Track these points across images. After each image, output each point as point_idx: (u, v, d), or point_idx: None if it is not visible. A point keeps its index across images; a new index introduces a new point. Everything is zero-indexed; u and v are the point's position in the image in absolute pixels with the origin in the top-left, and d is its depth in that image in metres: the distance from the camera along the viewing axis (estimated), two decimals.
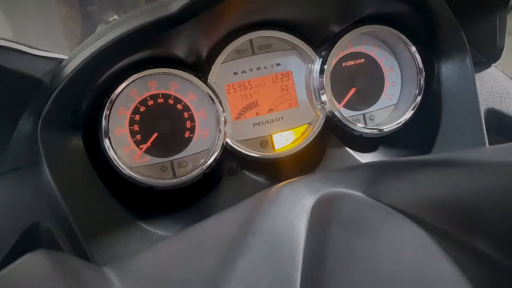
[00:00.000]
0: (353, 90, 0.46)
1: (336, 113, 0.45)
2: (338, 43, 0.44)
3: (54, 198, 0.37)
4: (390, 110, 0.48)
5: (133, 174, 0.40)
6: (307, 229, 0.29)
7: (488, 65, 0.48)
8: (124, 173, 0.40)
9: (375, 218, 0.29)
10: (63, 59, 0.40)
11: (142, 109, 0.42)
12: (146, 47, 0.38)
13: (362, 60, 0.47)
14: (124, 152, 0.41)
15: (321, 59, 0.44)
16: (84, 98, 0.38)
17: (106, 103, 0.40)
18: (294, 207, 0.29)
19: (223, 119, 0.42)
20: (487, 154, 0.30)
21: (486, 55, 0.47)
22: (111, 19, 0.59)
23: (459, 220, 0.27)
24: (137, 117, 0.42)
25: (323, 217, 0.30)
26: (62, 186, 0.36)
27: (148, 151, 0.42)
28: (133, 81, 0.40)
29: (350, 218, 0.30)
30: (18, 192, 0.39)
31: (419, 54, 0.45)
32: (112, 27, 0.36)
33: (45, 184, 0.37)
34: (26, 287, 0.20)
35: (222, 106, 0.42)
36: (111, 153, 0.40)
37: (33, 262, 0.22)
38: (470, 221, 0.26)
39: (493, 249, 0.23)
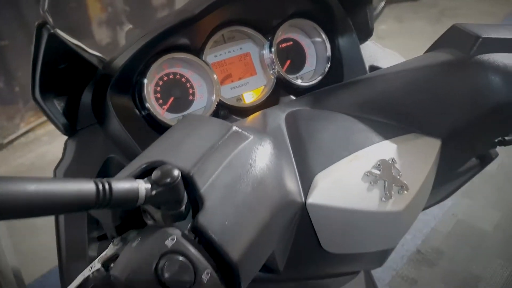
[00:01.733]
0: (288, 61, 0.73)
1: (282, 75, 0.70)
2: (277, 31, 0.70)
3: (123, 138, 0.57)
4: (312, 73, 0.75)
5: (166, 121, 0.62)
6: (286, 126, 0.53)
7: (365, 40, 0.77)
8: (162, 120, 0.62)
9: (325, 114, 0.55)
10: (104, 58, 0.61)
11: (160, 82, 0.64)
12: (170, 38, 0.60)
13: (291, 43, 0.74)
14: None
15: (269, 42, 0.70)
16: (134, 74, 0.60)
17: (144, 78, 0.61)
18: (275, 117, 0.53)
19: (215, 85, 0.66)
20: (396, 68, 0.57)
21: (364, 34, 0.76)
22: (128, 28, 0.80)
23: (381, 109, 0.52)
24: (158, 88, 0.64)
25: (293, 119, 0.54)
26: (128, 128, 0.57)
27: (168, 110, 0.64)
28: (155, 62, 0.62)
29: (310, 116, 0.55)
30: (94, 140, 0.59)
31: (326, 35, 0.73)
32: (153, 26, 0.59)
33: (114, 130, 0.58)
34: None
35: (214, 77, 0.66)
36: (152, 109, 0.61)
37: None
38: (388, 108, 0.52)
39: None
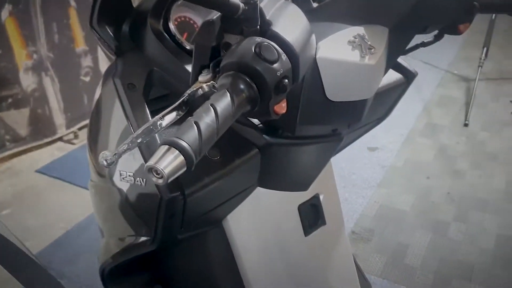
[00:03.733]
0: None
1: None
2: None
3: (160, 53, 0.76)
4: None
5: (185, 45, 0.81)
6: None
7: None
8: (182, 43, 0.81)
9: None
10: None
11: (178, 19, 0.84)
12: None
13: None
14: None
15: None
16: (162, 11, 0.80)
17: (169, 12, 0.81)
18: None
19: None
20: None
21: None
22: None
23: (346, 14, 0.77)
24: (176, 23, 0.84)
25: None
26: (165, 46, 0.76)
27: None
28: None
29: None
30: (136, 58, 0.77)
31: None
32: None
33: (154, 48, 0.76)
34: None
35: None
36: (177, 35, 0.81)
37: None
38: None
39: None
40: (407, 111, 3.04)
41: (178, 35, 0.82)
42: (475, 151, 2.73)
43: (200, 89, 0.59)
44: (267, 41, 0.55)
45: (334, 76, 0.70)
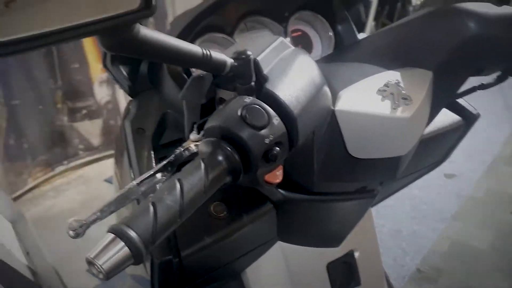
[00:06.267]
0: (299, 46, 0.89)
1: None
2: (289, 20, 0.86)
3: (176, 97, 0.71)
4: (318, 58, 0.91)
5: None
6: None
7: (359, 32, 0.94)
8: None
9: (340, 58, 0.70)
10: None
11: None
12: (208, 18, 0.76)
13: (300, 33, 0.90)
14: None
15: (284, 29, 0.86)
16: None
17: None
18: None
19: None
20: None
21: (358, 26, 0.93)
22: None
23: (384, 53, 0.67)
24: None
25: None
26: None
27: None
28: (197, 39, 0.77)
29: (327, 60, 0.70)
30: (152, 100, 0.73)
31: (328, 24, 0.90)
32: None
33: (170, 91, 0.71)
34: None
35: None
36: None
37: None
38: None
39: None
40: (491, 134, 2.77)
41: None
42: None
43: (187, 150, 0.53)
44: (256, 102, 0.48)
45: (357, 131, 0.61)
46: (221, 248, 0.66)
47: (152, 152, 0.68)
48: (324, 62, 0.73)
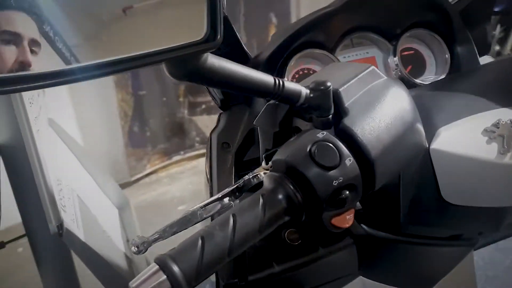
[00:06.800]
0: (410, 67, 0.81)
1: (406, 76, 0.79)
2: (401, 38, 0.79)
3: None
4: (431, 80, 0.83)
5: None
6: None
7: (482, 55, 0.83)
8: None
9: (447, 91, 0.62)
10: None
11: (296, 76, 0.76)
12: (308, 34, 0.73)
13: (412, 52, 0.83)
14: None
15: (393, 47, 0.80)
16: (276, 65, 0.73)
17: (285, 68, 0.74)
18: None
19: None
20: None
21: (482, 49, 0.82)
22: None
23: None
24: (294, 80, 0.76)
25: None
26: None
27: None
28: (294, 56, 0.74)
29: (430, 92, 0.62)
30: (241, 114, 0.72)
31: (446, 45, 0.81)
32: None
33: (259, 109, 0.70)
34: None
35: None
36: None
37: None
38: None
39: None
40: None
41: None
42: None
43: (256, 177, 0.50)
44: (329, 139, 0.44)
45: (453, 174, 0.54)
46: (291, 278, 0.63)
47: (233, 168, 0.67)
48: (431, 89, 0.66)
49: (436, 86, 0.67)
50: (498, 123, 0.54)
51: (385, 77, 0.52)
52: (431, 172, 0.53)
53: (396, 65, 0.79)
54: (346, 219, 0.45)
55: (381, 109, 0.48)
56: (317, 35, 0.75)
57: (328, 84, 0.45)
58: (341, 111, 0.47)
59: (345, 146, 0.44)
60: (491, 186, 0.54)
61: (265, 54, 0.73)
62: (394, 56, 0.79)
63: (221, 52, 0.72)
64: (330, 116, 0.46)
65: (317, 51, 0.76)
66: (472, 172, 0.53)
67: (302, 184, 0.42)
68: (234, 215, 0.41)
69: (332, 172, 0.42)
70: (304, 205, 0.43)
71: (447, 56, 0.81)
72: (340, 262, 0.66)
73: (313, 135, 0.44)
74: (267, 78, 0.43)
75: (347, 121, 0.46)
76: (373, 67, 0.52)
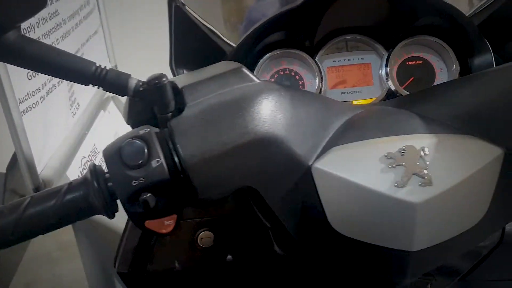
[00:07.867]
0: (411, 79, 0.71)
1: (394, 90, 0.69)
2: (398, 45, 0.69)
3: None
4: None
5: None
6: None
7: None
8: None
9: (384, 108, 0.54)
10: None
11: (276, 76, 0.71)
12: (282, 28, 0.67)
13: (420, 62, 0.71)
14: None
15: (386, 55, 0.70)
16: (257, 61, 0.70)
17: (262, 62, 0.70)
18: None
19: (322, 87, 0.70)
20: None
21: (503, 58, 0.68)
22: None
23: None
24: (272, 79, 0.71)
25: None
26: None
27: None
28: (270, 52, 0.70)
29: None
30: None
31: (457, 55, 0.68)
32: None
33: None
34: None
35: (322, 79, 0.70)
36: None
37: None
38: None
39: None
40: None
41: None
42: None
43: None
44: (147, 137, 0.41)
45: (338, 201, 0.46)
46: (190, 279, 0.61)
47: None
48: (394, 104, 0.56)
49: (400, 101, 0.58)
50: (404, 149, 0.45)
51: (256, 81, 0.47)
52: (315, 192, 0.47)
53: (387, 75, 0.69)
54: (164, 224, 0.43)
55: (229, 115, 0.43)
56: (297, 33, 0.69)
57: (164, 79, 0.43)
58: (182, 110, 0.44)
59: (165, 148, 0.42)
60: (384, 222, 0.45)
61: (239, 51, 0.70)
62: (386, 65, 0.69)
63: (192, 49, 0.72)
64: (169, 114, 0.44)
65: (294, 51, 0.70)
66: (359, 202, 0.45)
67: (102, 180, 0.42)
68: (32, 197, 0.42)
69: (132, 172, 0.40)
70: (106, 202, 0.42)
71: (454, 68, 0.68)
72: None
73: (135, 131, 0.43)
74: (88, 64, 0.43)
75: (175, 121, 0.43)
76: (240, 67, 0.47)
